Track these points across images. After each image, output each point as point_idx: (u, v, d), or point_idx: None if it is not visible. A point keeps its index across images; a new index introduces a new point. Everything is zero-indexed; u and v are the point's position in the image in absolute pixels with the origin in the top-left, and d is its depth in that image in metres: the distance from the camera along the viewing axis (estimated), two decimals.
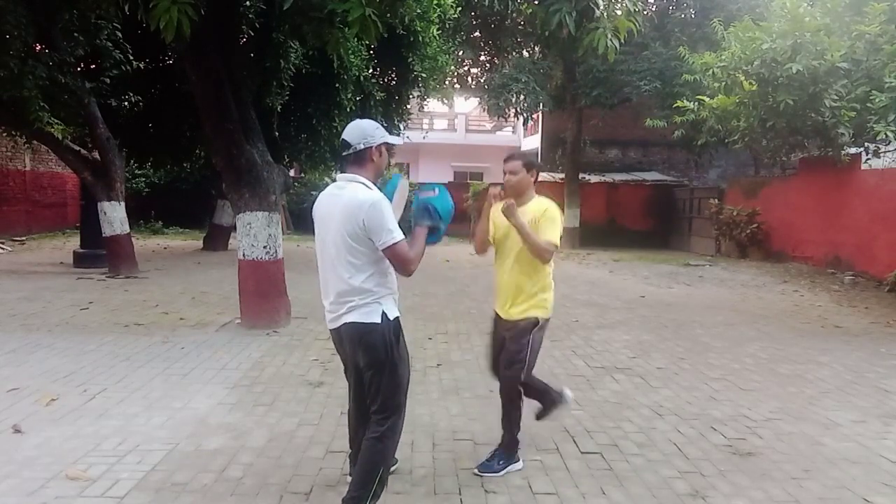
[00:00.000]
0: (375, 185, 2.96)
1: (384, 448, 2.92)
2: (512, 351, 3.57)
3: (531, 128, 25.17)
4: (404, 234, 2.87)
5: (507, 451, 3.62)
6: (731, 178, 19.42)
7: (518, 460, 3.64)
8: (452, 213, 3.08)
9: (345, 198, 2.85)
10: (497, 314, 3.74)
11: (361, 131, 2.94)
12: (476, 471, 3.55)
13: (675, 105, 12.62)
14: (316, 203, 3.04)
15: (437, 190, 3.09)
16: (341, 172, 3.04)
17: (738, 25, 10.12)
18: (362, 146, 2.92)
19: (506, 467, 3.57)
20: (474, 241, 3.89)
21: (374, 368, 2.89)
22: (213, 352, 5.92)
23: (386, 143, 3.01)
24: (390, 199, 2.96)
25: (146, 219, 19.59)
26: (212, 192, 15.75)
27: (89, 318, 7.26)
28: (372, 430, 2.92)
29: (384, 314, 2.88)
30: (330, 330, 3.05)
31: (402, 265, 2.85)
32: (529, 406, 4.44)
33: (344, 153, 2.96)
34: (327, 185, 3.46)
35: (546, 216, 3.51)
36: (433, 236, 3.02)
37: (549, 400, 3.91)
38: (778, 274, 12.84)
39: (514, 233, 3.49)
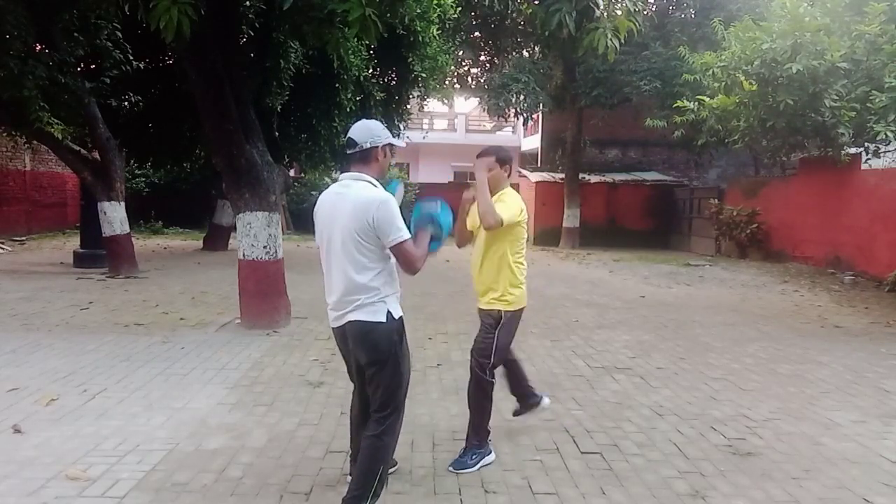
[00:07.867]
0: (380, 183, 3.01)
1: (384, 446, 2.94)
2: (480, 347, 3.71)
3: (531, 128, 25.17)
4: None
5: (479, 443, 3.63)
6: (731, 178, 19.40)
7: (490, 452, 3.68)
8: (451, 227, 3.17)
9: (353, 195, 2.88)
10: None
11: (369, 130, 2.99)
12: (450, 468, 3.55)
13: (675, 105, 12.62)
14: (318, 202, 3.05)
15: (438, 204, 3.16)
16: (344, 171, 3.07)
17: (738, 25, 10.12)
18: (369, 145, 2.96)
19: (479, 461, 3.59)
20: (456, 237, 3.98)
21: (377, 366, 2.91)
22: (213, 352, 5.92)
23: (390, 144, 3.06)
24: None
25: (146, 219, 19.60)
26: (212, 192, 15.74)
27: (89, 318, 7.26)
28: (371, 428, 2.94)
29: (389, 313, 2.91)
30: (333, 328, 3.05)
31: (409, 263, 2.89)
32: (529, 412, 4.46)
33: (349, 151, 2.99)
34: (327, 185, 3.49)
35: (499, 200, 3.59)
36: (432, 245, 3.07)
37: (526, 404, 4.13)
38: (778, 274, 12.83)
39: (482, 231, 3.61)
